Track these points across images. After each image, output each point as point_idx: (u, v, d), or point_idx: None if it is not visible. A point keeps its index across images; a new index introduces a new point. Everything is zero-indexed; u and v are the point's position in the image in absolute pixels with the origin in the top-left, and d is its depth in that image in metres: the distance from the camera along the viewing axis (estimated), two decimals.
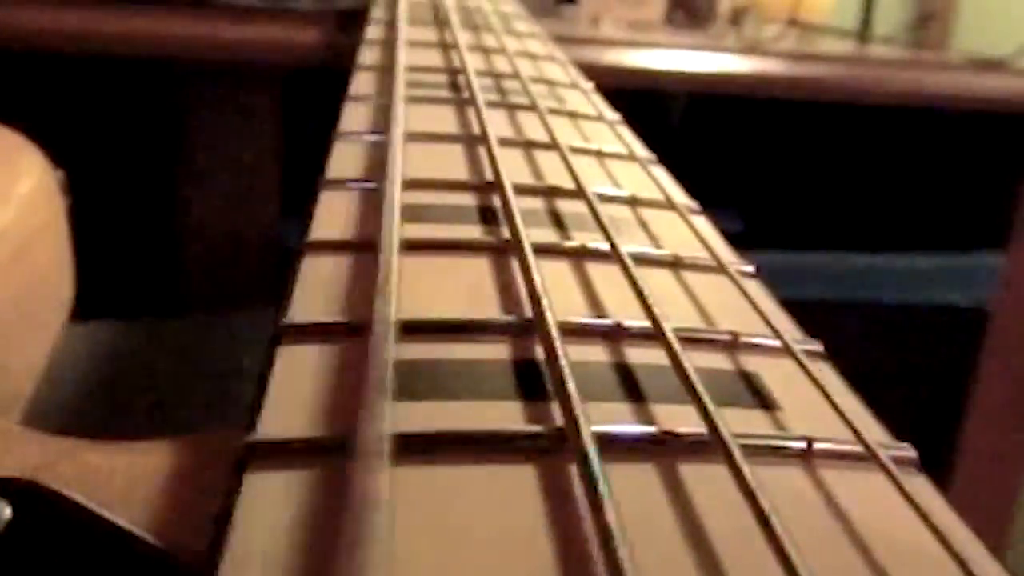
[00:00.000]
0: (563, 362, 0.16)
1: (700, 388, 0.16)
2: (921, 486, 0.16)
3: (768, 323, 0.20)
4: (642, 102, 0.52)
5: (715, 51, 0.85)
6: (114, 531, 0.15)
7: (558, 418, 0.15)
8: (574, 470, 0.14)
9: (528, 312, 0.19)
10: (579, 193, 0.26)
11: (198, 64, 0.74)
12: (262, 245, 0.77)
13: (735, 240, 0.26)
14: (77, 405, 0.43)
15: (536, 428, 0.15)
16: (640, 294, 0.20)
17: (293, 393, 0.16)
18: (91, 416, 0.43)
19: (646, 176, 0.29)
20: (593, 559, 0.12)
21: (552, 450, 0.15)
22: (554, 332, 0.17)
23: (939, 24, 1.14)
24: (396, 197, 0.22)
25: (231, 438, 0.15)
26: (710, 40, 0.90)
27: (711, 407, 0.16)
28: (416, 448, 0.14)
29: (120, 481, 0.16)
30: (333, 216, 0.23)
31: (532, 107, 0.34)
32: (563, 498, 0.14)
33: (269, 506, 0.13)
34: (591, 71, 0.43)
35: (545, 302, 0.18)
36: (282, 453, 0.14)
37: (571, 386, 0.15)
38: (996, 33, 1.04)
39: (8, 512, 0.15)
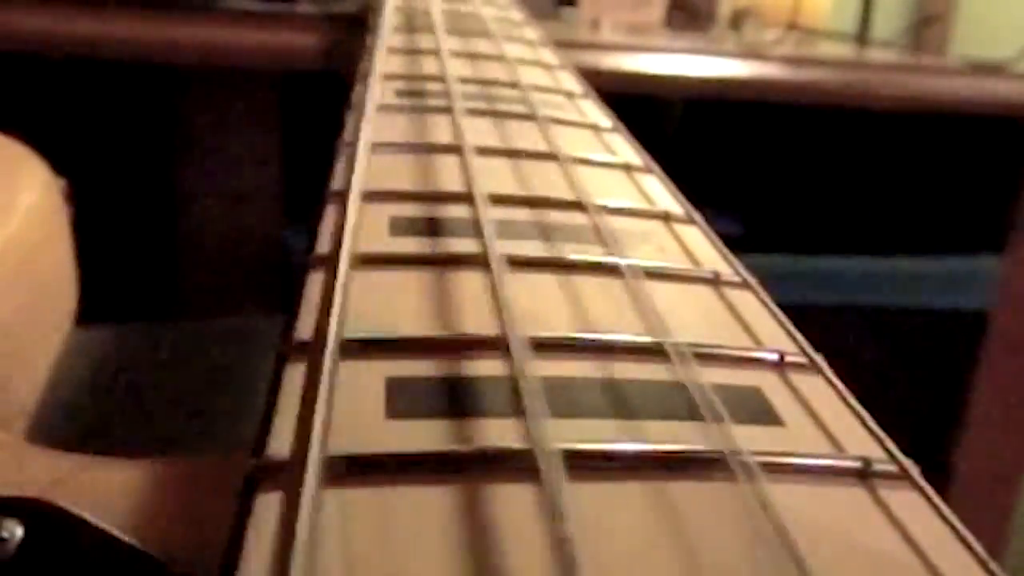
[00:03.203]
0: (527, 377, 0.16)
1: (705, 404, 0.16)
2: (921, 500, 0.16)
3: (788, 333, 0.20)
4: (641, 105, 0.52)
5: (714, 55, 0.85)
6: (124, 550, 0.15)
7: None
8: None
9: (514, 328, 0.18)
10: (574, 204, 0.26)
11: (198, 69, 0.74)
12: (263, 250, 0.77)
13: (735, 244, 0.26)
14: (79, 411, 0.43)
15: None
16: (637, 307, 0.20)
17: (301, 412, 0.16)
18: (92, 421, 0.43)
19: (640, 186, 0.29)
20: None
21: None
22: (523, 347, 0.17)
23: (938, 28, 1.14)
24: (361, 209, 0.22)
25: (240, 457, 0.15)
26: (709, 44, 0.91)
27: (721, 423, 0.16)
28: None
29: (130, 499, 0.16)
30: (338, 229, 0.23)
31: (528, 116, 0.34)
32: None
33: (280, 526, 0.13)
34: (590, 75, 0.43)
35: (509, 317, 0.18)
36: (291, 473, 0.14)
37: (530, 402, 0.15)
38: (995, 37, 1.04)
39: (20, 532, 0.15)
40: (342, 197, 0.25)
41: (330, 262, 0.21)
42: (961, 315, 0.91)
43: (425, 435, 0.15)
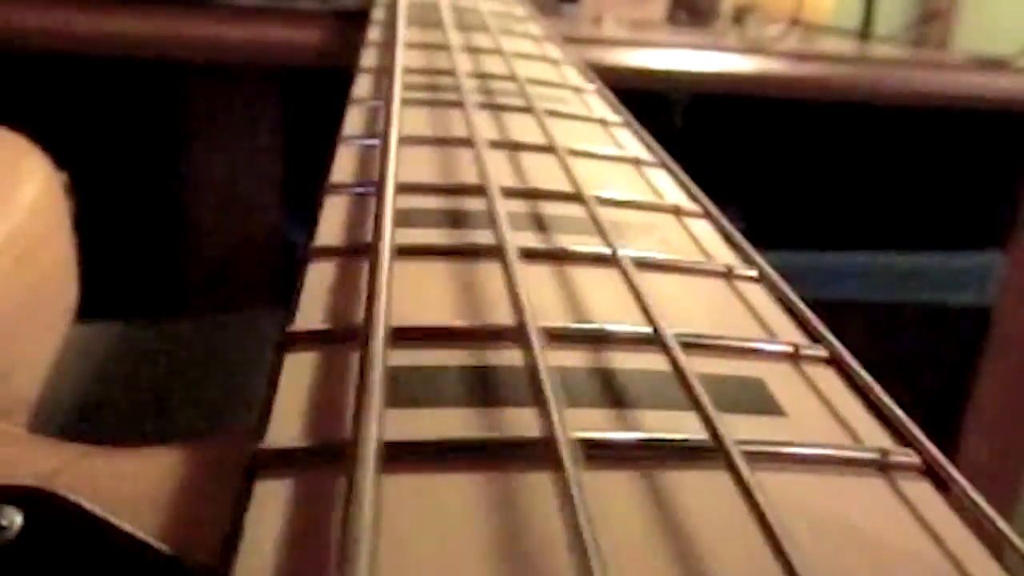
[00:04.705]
0: (541, 368, 0.16)
1: (701, 393, 0.16)
2: (923, 492, 0.16)
3: (808, 326, 0.20)
4: (644, 101, 0.52)
5: (717, 50, 0.85)
6: (124, 538, 0.15)
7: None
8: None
9: (518, 319, 0.18)
10: (581, 197, 0.26)
11: (200, 64, 0.74)
12: (266, 245, 0.77)
13: None
14: (81, 406, 0.43)
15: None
16: (639, 298, 0.20)
17: (301, 400, 0.16)
18: (95, 415, 0.43)
19: (648, 180, 0.29)
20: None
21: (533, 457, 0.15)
22: (535, 338, 0.17)
23: (941, 23, 1.14)
24: (390, 203, 0.22)
25: (240, 444, 0.15)
26: (712, 39, 0.90)
27: (712, 412, 0.16)
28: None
29: (129, 487, 0.16)
30: (338, 221, 0.23)
31: (536, 111, 0.34)
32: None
33: (279, 513, 0.13)
34: (593, 71, 0.43)
35: (527, 308, 0.18)
36: (290, 460, 0.14)
37: (549, 391, 0.15)
38: (997, 32, 1.04)
39: (20, 520, 0.15)
40: (343, 189, 0.25)
41: (337, 253, 0.21)
42: (964, 311, 0.91)
43: (421, 424, 0.15)
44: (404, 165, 0.26)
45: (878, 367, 0.20)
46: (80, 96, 0.79)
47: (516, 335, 0.17)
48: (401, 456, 0.14)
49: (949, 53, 1.10)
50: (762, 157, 0.97)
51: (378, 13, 0.51)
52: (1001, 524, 0.15)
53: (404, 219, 0.23)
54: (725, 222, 0.27)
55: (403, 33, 0.43)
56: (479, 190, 0.25)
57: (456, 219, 0.24)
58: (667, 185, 0.29)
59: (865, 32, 1.05)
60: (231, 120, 0.77)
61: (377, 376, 0.15)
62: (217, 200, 0.77)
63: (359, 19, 0.52)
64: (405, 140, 0.28)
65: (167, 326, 0.56)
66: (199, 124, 0.77)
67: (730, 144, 0.96)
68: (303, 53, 0.73)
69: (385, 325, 0.16)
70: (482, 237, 0.23)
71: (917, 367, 0.93)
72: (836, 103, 0.86)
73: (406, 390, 0.16)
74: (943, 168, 0.97)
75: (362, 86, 0.36)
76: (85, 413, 0.41)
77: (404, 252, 0.21)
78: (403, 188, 0.24)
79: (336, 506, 0.13)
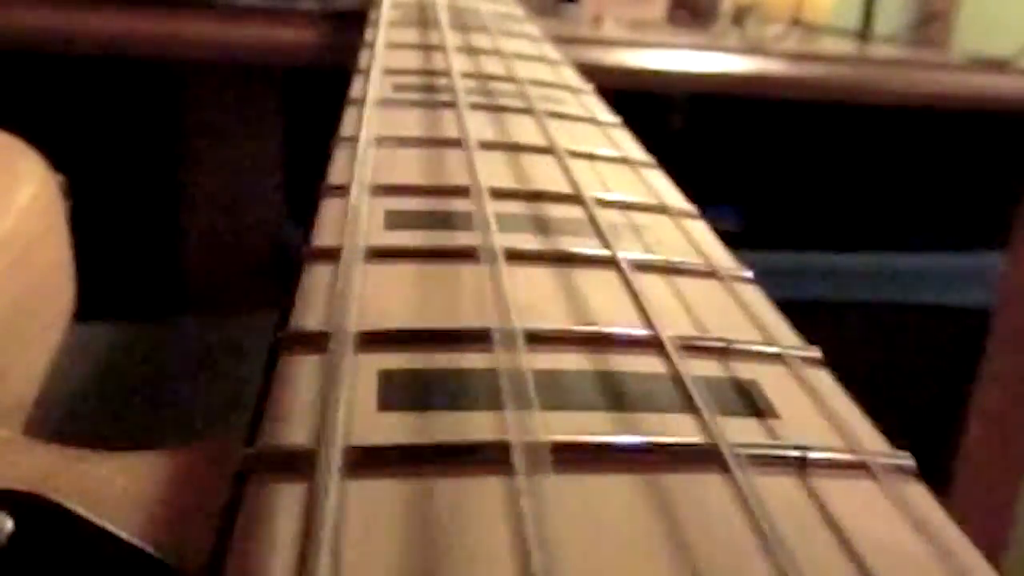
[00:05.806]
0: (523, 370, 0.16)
1: (697, 396, 0.16)
2: (918, 495, 0.16)
3: (786, 327, 0.20)
4: (643, 101, 0.52)
5: (717, 51, 0.85)
6: (116, 543, 0.15)
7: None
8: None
9: (510, 321, 0.18)
10: (575, 198, 0.26)
11: (199, 65, 0.74)
12: (264, 247, 0.77)
13: (735, 240, 0.26)
14: (78, 407, 0.43)
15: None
16: (637, 300, 0.20)
17: (294, 402, 0.16)
18: (92, 418, 0.43)
19: (642, 181, 0.29)
20: None
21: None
22: (515, 339, 0.17)
23: (940, 24, 1.14)
24: (358, 203, 0.22)
25: (232, 448, 0.15)
26: (712, 40, 0.90)
27: (709, 415, 0.16)
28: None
29: (121, 492, 0.16)
30: (335, 223, 0.23)
31: (528, 111, 0.34)
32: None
33: (271, 517, 0.13)
34: (592, 71, 0.43)
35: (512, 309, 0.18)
36: (282, 464, 0.14)
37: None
38: (997, 33, 1.04)
39: (10, 524, 0.15)
40: (339, 191, 0.25)
41: (332, 256, 0.21)
42: (964, 312, 0.91)
43: (414, 427, 0.15)
44: (385, 166, 0.26)
45: (879, 367, 0.20)
46: (79, 97, 0.79)
47: (490, 337, 0.17)
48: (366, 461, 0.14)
49: (949, 53, 1.10)
50: (762, 158, 0.97)
51: (377, 14, 0.51)
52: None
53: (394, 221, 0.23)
54: (694, 224, 0.27)
55: (384, 34, 0.43)
56: (465, 191, 0.25)
57: (444, 220, 0.24)
58: (662, 186, 0.29)
59: (865, 32, 1.05)
60: (231, 120, 0.77)
61: (343, 381, 0.15)
62: (216, 201, 0.77)
63: (358, 20, 0.52)
64: (388, 141, 0.28)
65: (165, 328, 0.56)
66: (199, 125, 0.77)
67: (730, 145, 0.96)
68: (303, 53, 0.73)
69: (352, 330, 0.16)
70: (471, 238, 0.22)
71: (918, 367, 0.93)
72: (836, 103, 0.86)
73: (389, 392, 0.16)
74: (943, 168, 0.96)
75: (360, 87, 0.36)
76: (82, 415, 0.41)
77: (381, 254, 0.21)
78: (389, 190, 0.24)
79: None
